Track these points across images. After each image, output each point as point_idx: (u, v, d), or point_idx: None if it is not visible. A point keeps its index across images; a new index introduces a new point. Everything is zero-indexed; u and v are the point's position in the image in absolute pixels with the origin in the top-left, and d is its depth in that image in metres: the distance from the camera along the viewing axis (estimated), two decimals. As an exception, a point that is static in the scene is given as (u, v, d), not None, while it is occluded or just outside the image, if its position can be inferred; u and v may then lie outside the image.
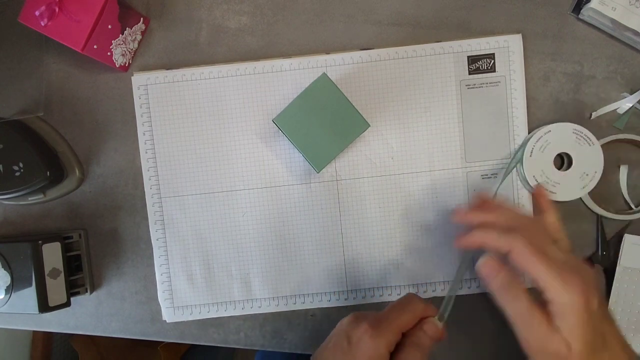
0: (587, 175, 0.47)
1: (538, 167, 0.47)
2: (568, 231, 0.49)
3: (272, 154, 0.51)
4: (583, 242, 0.50)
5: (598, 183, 0.49)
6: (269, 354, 0.67)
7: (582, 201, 0.50)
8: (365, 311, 0.40)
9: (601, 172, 0.47)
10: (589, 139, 0.47)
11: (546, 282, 0.34)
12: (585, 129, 0.47)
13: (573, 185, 0.47)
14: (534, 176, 0.47)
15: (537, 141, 0.47)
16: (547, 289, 0.34)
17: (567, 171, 0.47)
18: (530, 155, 0.47)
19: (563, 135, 0.47)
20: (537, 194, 0.46)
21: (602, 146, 0.49)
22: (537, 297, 0.36)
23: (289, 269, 0.51)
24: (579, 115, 0.50)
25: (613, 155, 0.50)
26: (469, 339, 0.51)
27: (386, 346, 0.35)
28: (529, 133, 0.50)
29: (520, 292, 0.36)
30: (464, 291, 0.50)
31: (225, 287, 0.51)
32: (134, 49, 0.51)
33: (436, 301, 0.51)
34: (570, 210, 0.49)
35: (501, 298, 0.37)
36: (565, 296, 0.33)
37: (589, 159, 0.47)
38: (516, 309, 0.36)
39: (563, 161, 0.49)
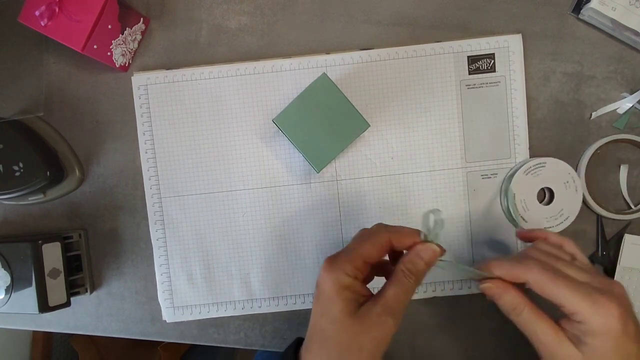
0: (562, 215, 0.48)
1: (523, 193, 0.48)
2: (568, 231, 0.49)
3: (272, 154, 0.51)
4: (583, 242, 0.50)
5: (598, 183, 0.50)
6: (269, 355, 0.67)
7: (583, 201, 0.50)
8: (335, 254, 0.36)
9: (575, 216, 0.48)
10: (576, 186, 0.48)
11: (574, 306, 0.32)
12: (576, 175, 0.47)
13: (545, 221, 0.48)
14: (515, 204, 0.48)
15: (529, 168, 0.48)
16: (577, 312, 0.32)
17: (547, 206, 0.48)
18: (525, 174, 0.48)
19: (557, 171, 0.48)
20: (526, 235, 0.44)
21: (602, 146, 0.49)
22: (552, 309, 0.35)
23: (289, 269, 0.51)
24: (579, 115, 0.50)
25: (613, 155, 0.50)
26: (469, 339, 0.51)
27: (345, 274, 0.33)
28: (529, 133, 0.50)
29: (526, 304, 0.35)
30: (464, 291, 0.50)
31: (225, 287, 0.51)
32: (134, 49, 0.51)
33: (436, 301, 0.51)
34: (570, 210, 0.49)
35: (509, 312, 0.36)
36: (599, 320, 0.31)
37: (568, 203, 0.48)
38: (522, 321, 0.35)
39: (544, 195, 0.49)
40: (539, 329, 0.34)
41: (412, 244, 0.35)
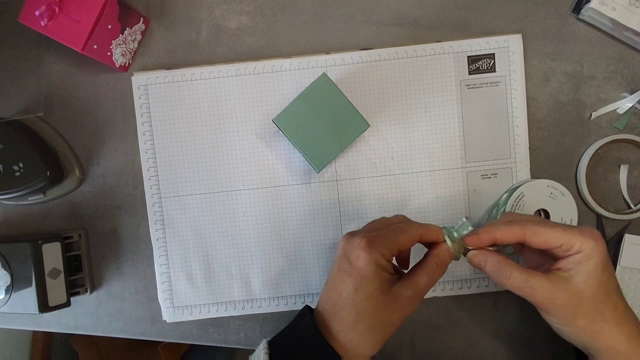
0: (565, 223, 0.47)
1: None
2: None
3: (272, 154, 0.51)
4: (583, 242, 0.50)
5: (598, 183, 0.50)
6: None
7: (583, 201, 0.50)
8: (361, 230, 0.40)
9: (577, 219, 0.47)
10: (562, 191, 0.47)
11: (571, 240, 0.37)
12: (554, 182, 0.47)
13: None
14: None
15: (515, 200, 0.47)
16: (573, 244, 0.36)
17: None
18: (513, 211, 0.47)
19: (538, 191, 0.47)
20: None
21: (602, 146, 0.49)
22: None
23: (289, 269, 0.51)
24: (579, 115, 0.50)
25: (613, 155, 0.50)
26: (469, 339, 0.51)
27: (383, 257, 0.37)
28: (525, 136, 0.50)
29: (512, 269, 0.38)
30: (463, 291, 0.50)
31: (225, 287, 0.51)
32: (134, 49, 0.51)
33: (436, 301, 0.51)
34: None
35: (498, 281, 0.38)
36: (591, 244, 0.36)
37: (564, 210, 0.47)
38: (515, 285, 0.37)
39: (541, 216, 0.49)
40: (533, 282, 0.37)
41: (436, 240, 0.40)
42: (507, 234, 0.38)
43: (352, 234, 0.39)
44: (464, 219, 0.39)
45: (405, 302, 0.38)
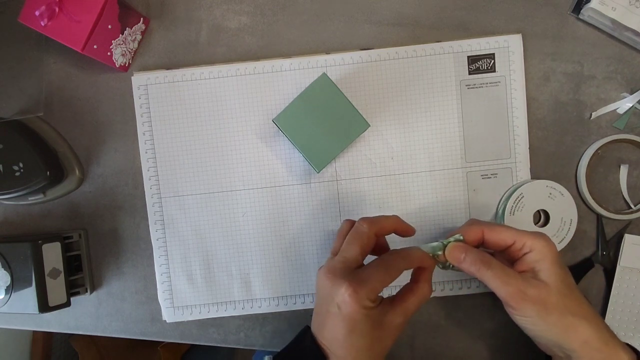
0: (564, 225, 0.48)
1: (519, 225, 0.48)
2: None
3: (272, 154, 0.51)
4: (583, 242, 0.50)
5: (598, 183, 0.50)
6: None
7: (583, 201, 0.50)
8: (338, 264, 0.40)
9: (576, 220, 0.48)
10: (561, 191, 0.48)
11: (523, 239, 0.40)
12: (555, 183, 0.48)
13: (555, 237, 0.49)
14: None
15: (514, 202, 0.48)
16: (525, 243, 0.40)
17: (546, 226, 0.49)
18: (512, 214, 0.48)
19: (537, 192, 0.48)
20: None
21: (602, 146, 0.49)
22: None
23: (289, 269, 0.51)
24: (579, 115, 0.50)
25: (613, 155, 0.50)
26: (469, 339, 0.51)
27: (371, 300, 0.38)
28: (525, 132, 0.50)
29: (490, 259, 0.40)
30: (463, 291, 0.50)
31: (225, 287, 0.51)
32: (134, 49, 0.51)
33: (435, 301, 0.51)
34: (570, 210, 0.49)
35: (477, 272, 0.40)
36: (541, 241, 0.40)
37: (564, 210, 0.48)
38: (493, 274, 0.39)
39: (540, 217, 0.50)
40: (508, 271, 0.39)
41: (421, 266, 0.42)
42: (469, 233, 0.42)
43: (335, 274, 0.39)
44: (460, 237, 0.42)
45: (397, 328, 0.39)
